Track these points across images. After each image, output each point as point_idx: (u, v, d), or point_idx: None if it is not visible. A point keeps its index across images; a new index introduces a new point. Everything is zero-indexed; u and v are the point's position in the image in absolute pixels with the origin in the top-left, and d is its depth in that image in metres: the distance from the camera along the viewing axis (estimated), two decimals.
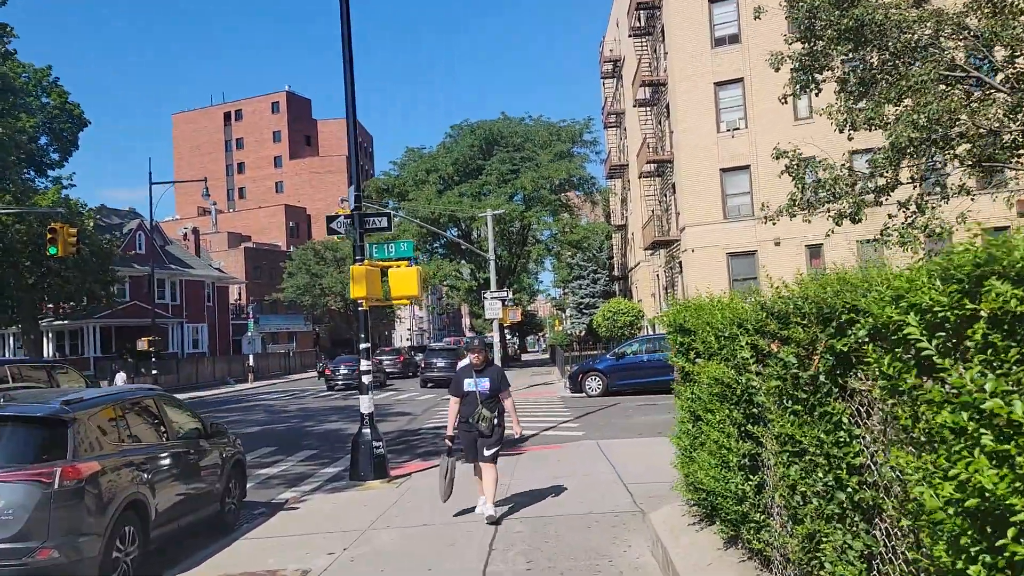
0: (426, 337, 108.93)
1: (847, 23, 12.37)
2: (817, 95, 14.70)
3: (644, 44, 36.14)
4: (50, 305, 36.45)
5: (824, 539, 2.99)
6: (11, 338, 44.80)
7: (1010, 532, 1.69)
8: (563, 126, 46.85)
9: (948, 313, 1.92)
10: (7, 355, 43.96)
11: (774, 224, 14.99)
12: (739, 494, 4.24)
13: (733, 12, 29.41)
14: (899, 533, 2.52)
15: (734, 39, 29.40)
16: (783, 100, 14.87)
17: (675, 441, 5.88)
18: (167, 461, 7.09)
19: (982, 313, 1.84)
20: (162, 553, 6.89)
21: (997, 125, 12.17)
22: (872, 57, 13.06)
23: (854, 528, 2.82)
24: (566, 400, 22.02)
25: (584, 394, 22.26)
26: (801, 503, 3.21)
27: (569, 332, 62.51)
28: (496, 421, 7.45)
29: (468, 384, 7.56)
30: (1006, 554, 1.71)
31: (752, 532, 4.15)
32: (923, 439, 2.05)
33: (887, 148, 12.79)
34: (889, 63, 12.80)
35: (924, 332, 1.99)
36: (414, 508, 8.55)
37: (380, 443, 10.63)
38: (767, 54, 14.58)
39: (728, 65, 29.32)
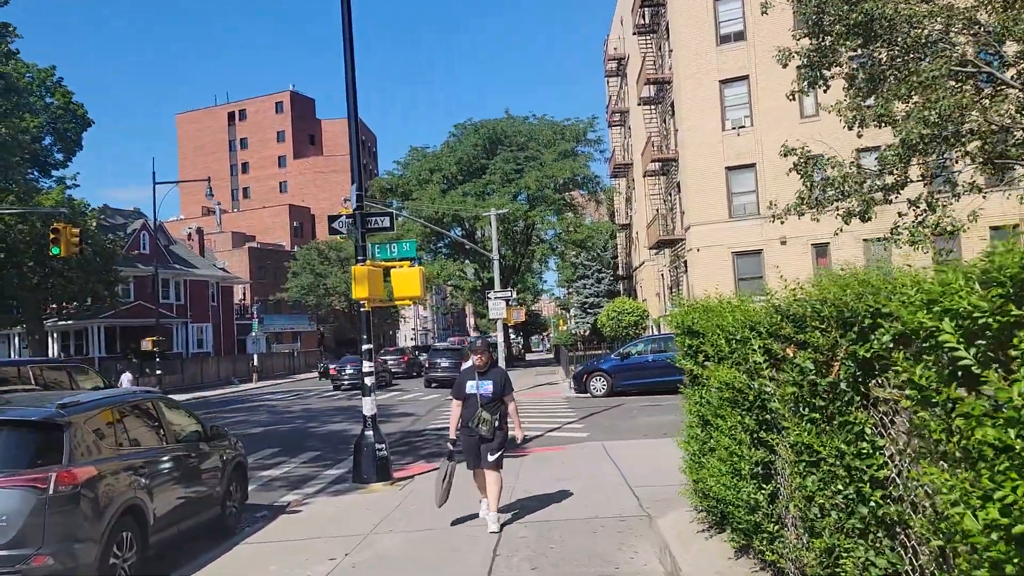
0: (430, 337, 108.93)
1: (856, 18, 12.20)
2: (825, 91, 14.54)
3: (648, 42, 35.97)
4: (54, 305, 36.46)
5: (844, 554, 2.85)
6: (16, 339, 44.88)
7: None
8: (567, 125, 46.65)
9: (989, 319, 1.78)
10: (12, 356, 44.02)
11: (782, 223, 14.83)
12: (751, 503, 4.10)
13: (738, 9, 29.24)
14: (927, 552, 2.37)
15: (739, 36, 29.23)
16: (791, 96, 14.71)
17: (683, 446, 5.75)
18: (166, 465, 6.98)
19: None
20: (161, 559, 6.78)
21: (1009, 121, 12.00)
22: (881, 53, 12.88)
23: (877, 544, 2.67)
24: (571, 400, 21.90)
25: (589, 394, 22.14)
26: (819, 515, 3.07)
27: (573, 332, 62.37)
28: (497, 424, 7.22)
29: (470, 387, 7.33)
30: None
31: (765, 543, 4.01)
32: (958, 454, 1.91)
33: (897, 145, 12.62)
34: (899, 59, 12.63)
35: (961, 340, 1.85)
36: (417, 511, 8.44)
37: (383, 445, 10.54)
38: (773, 51, 14.41)
39: (733, 62, 29.15)
